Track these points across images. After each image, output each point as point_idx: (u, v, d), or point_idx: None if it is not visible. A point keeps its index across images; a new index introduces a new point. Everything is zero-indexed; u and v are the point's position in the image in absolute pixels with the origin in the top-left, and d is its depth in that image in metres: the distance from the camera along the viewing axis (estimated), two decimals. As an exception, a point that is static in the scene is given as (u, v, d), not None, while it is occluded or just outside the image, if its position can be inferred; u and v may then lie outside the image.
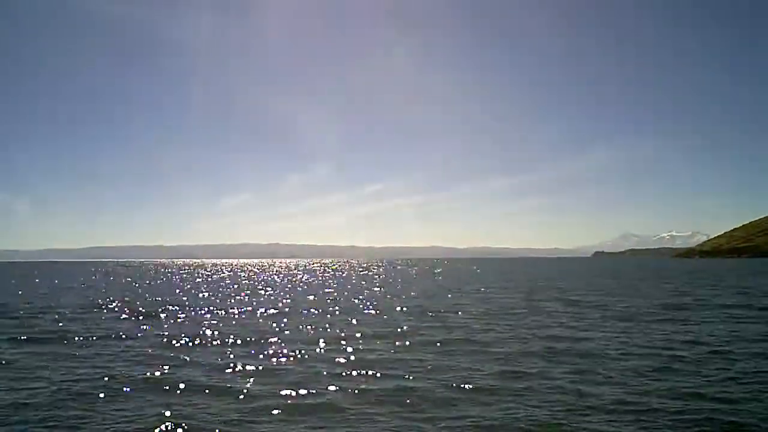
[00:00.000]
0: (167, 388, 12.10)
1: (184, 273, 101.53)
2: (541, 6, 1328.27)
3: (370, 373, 13.34)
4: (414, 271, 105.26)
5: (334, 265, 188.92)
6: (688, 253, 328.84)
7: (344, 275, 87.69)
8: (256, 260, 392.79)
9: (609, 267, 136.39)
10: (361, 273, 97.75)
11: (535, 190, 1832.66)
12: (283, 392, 11.64)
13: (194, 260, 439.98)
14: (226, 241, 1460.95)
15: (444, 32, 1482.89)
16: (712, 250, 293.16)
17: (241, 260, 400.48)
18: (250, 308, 30.48)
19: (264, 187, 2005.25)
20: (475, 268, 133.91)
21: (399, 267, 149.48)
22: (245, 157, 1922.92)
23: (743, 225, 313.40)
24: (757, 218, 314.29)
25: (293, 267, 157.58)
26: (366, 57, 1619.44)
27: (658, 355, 15.61)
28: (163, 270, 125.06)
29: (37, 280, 71.96)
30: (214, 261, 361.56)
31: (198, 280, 71.38)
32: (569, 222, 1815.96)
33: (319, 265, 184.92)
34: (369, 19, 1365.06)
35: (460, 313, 27.59)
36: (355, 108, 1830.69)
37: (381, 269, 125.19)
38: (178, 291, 46.90)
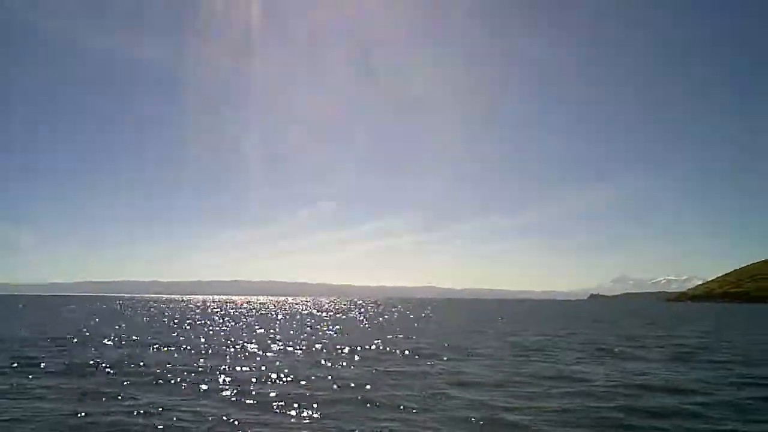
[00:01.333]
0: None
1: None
2: (536, 37, 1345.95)
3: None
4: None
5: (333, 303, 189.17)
6: (679, 297, 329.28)
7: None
8: (250, 297, 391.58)
9: (584, 310, 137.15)
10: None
11: (532, 230, 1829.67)
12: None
13: (183, 296, 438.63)
14: (219, 277, 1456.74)
15: (443, 66, 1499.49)
16: (703, 295, 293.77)
17: (233, 297, 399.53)
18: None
19: (259, 225, 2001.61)
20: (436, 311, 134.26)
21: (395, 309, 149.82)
22: (244, 195, 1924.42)
23: (734, 270, 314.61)
24: (748, 263, 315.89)
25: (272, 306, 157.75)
26: (365, 85, 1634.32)
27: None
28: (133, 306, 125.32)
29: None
30: (198, 297, 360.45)
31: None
32: (566, 264, 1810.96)
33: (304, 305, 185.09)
34: (371, 44, 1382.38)
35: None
36: (354, 145, 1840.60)
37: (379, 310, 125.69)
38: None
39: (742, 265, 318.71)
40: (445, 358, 24.98)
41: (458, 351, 28.05)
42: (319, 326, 49.39)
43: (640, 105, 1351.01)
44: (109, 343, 30.21)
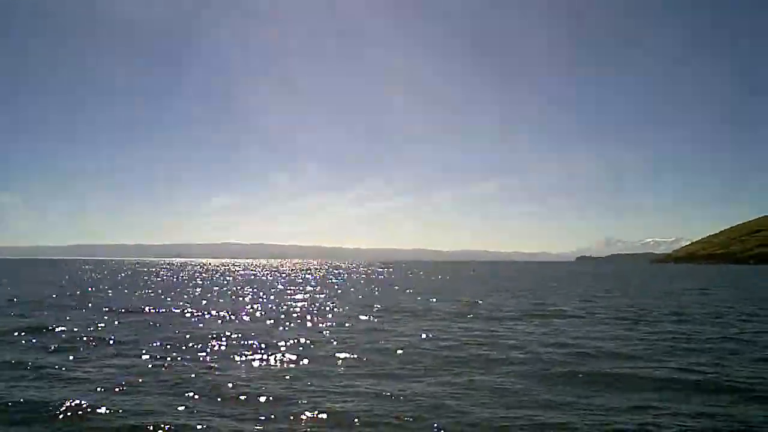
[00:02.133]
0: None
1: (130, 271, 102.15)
2: (524, 8, 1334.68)
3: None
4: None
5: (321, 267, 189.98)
6: (665, 258, 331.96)
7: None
8: (241, 260, 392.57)
9: (564, 271, 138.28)
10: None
11: (522, 194, 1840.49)
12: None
13: (173, 259, 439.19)
14: (210, 240, 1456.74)
15: (433, 34, 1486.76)
16: (687, 256, 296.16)
17: (223, 260, 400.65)
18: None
19: (250, 188, 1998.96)
20: (423, 275, 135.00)
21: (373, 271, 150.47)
22: (233, 157, 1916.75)
23: (720, 231, 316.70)
24: (735, 224, 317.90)
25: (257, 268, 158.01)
26: (355, 58, 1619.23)
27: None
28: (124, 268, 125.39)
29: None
30: (189, 260, 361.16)
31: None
32: (555, 226, 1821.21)
33: (291, 266, 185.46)
34: (359, 17, 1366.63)
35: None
36: (344, 109, 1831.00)
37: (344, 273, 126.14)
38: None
39: (727, 227, 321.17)
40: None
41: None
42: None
43: (627, 76, 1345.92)
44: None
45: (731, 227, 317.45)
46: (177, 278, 71.48)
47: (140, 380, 12.45)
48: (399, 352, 16.47)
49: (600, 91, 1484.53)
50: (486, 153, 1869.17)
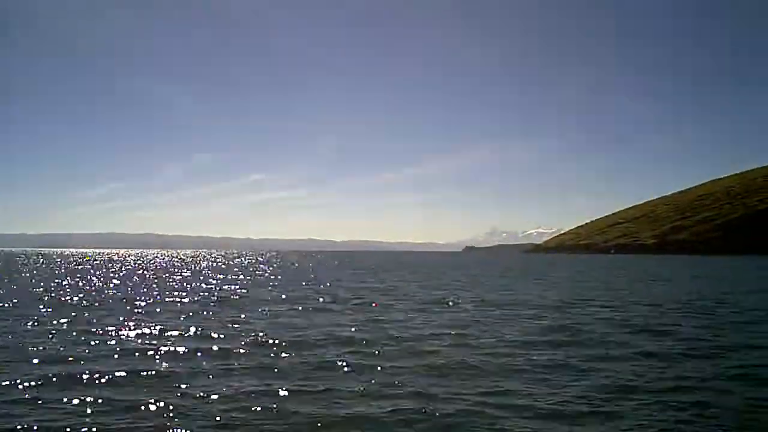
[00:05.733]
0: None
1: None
2: (423, 7, 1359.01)
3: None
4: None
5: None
6: (536, 248, 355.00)
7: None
8: (127, 250, 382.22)
9: (439, 260, 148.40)
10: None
11: (412, 186, 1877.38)
12: None
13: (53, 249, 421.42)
14: (95, 230, 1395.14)
15: (336, 22, 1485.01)
16: (556, 246, 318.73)
17: (108, 249, 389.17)
18: None
19: (139, 175, 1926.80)
20: (301, 264, 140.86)
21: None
22: (121, 144, 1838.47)
23: (586, 223, 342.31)
24: (598, 217, 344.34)
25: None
26: (259, 44, 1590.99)
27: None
28: None
29: None
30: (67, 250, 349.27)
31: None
32: (444, 217, 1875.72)
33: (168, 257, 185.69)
34: (259, 7, 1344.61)
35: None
36: (236, 97, 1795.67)
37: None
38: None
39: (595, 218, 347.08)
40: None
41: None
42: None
43: (514, 75, 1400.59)
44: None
45: (597, 219, 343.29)
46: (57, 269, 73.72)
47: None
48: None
49: (490, 86, 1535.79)
50: (380, 144, 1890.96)
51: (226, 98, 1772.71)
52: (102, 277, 51.44)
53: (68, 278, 47.91)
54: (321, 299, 30.14)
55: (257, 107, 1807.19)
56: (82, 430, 8.96)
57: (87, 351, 14.85)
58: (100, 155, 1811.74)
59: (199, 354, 14.66)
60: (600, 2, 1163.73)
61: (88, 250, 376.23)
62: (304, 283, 43.73)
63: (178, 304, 27.15)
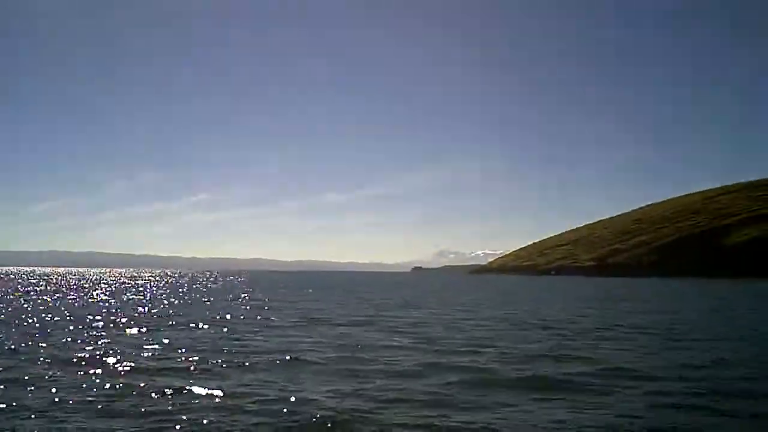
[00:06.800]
0: None
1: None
2: (371, 22, 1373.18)
3: None
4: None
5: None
6: (481, 269, 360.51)
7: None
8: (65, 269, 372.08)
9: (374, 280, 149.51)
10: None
11: (362, 205, 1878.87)
12: None
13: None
14: (32, 248, 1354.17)
15: (281, 41, 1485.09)
16: (498, 267, 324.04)
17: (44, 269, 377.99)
18: None
19: (81, 193, 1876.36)
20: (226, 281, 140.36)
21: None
22: (58, 159, 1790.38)
23: (527, 245, 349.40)
24: (541, 239, 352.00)
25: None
26: (195, 57, 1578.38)
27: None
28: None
29: None
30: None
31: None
32: (393, 238, 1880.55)
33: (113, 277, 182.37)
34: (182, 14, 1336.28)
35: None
36: (179, 112, 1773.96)
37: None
38: None
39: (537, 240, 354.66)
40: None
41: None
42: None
43: (455, 96, 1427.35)
44: None
45: (540, 240, 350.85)
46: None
47: None
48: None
49: (435, 107, 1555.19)
50: (328, 163, 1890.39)
51: (168, 114, 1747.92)
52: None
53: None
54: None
55: (200, 125, 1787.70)
56: None
57: None
58: (37, 169, 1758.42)
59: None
60: (545, 26, 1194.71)
61: (26, 268, 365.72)
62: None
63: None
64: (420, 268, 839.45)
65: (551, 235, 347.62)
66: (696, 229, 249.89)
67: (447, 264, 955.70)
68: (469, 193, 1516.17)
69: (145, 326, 25.86)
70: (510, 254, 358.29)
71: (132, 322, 27.49)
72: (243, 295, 56.59)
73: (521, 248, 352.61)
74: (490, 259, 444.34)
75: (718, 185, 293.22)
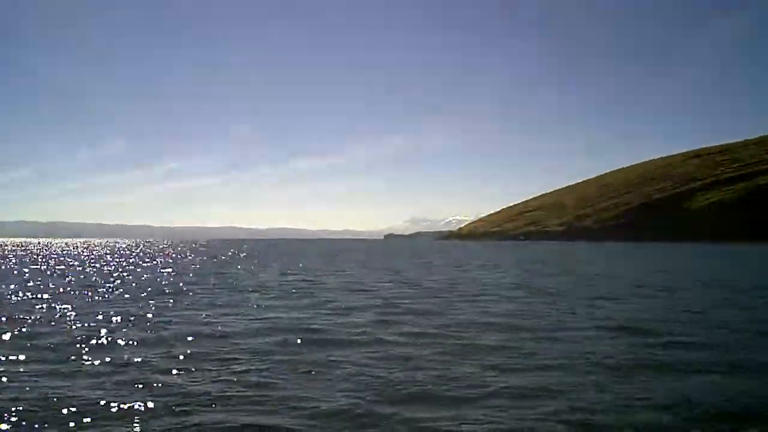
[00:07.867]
0: None
1: None
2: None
3: None
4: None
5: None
6: (450, 235, 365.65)
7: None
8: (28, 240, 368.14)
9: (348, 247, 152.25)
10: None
11: (333, 173, 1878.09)
12: None
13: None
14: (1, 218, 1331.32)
15: (252, 3, 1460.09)
16: (468, 233, 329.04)
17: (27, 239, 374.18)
18: None
19: (46, 162, 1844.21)
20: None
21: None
22: (26, 128, 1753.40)
23: (497, 211, 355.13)
24: (513, 203, 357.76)
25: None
26: (165, 26, 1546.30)
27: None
28: None
29: None
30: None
31: None
32: (365, 205, 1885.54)
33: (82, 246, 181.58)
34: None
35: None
36: (151, 81, 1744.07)
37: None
38: None
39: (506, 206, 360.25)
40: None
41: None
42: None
43: (430, 65, 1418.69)
44: None
45: (509, 206, 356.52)
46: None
47: None
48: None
49: (410, 75, 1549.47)
50: (303, 130, 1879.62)
51: (139, 81, 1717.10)
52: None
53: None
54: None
55: (170, 91, 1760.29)
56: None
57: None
58: (3, 139, 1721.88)
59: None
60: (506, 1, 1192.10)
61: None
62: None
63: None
64: (392, 235, 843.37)
65: (519, 201, 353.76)
66: (661, 194, 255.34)
67: (419, 230, 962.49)
68: (442, 160, 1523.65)
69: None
70: (479, 220, 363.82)
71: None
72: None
73: (491, 214, 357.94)
74: (462, 225, 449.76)
75: (683, 150, 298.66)
